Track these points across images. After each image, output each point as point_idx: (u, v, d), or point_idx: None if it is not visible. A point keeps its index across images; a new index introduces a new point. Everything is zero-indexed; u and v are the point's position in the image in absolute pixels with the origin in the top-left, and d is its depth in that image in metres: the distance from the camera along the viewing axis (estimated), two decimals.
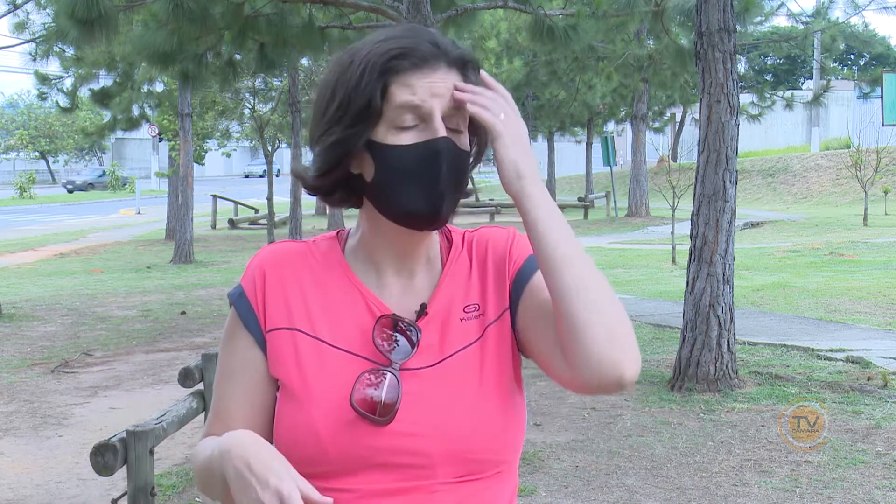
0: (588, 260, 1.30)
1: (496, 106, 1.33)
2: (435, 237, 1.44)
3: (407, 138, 1.31)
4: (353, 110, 1.32)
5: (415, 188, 1.31)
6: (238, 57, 10.52)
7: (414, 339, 1.35)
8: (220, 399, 1.42)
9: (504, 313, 1.40)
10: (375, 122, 1.32)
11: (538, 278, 1.37)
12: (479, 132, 1.40)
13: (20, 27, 13.60)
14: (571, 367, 1.27)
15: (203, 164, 36.79)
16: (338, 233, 1.47)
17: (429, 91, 1.31)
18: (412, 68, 1.31)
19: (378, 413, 1.30)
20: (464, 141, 1.35)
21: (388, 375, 1.32)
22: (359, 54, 1.35)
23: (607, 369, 1.24)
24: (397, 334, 1.35)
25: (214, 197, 27.68)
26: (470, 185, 1.43)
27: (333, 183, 1.38)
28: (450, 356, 1.36)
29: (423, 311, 1.37)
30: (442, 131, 1.31)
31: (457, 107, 1.33)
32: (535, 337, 1.37)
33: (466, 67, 1.36)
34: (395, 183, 1.32)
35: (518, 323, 1.40)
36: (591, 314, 1.25)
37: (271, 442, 1.39)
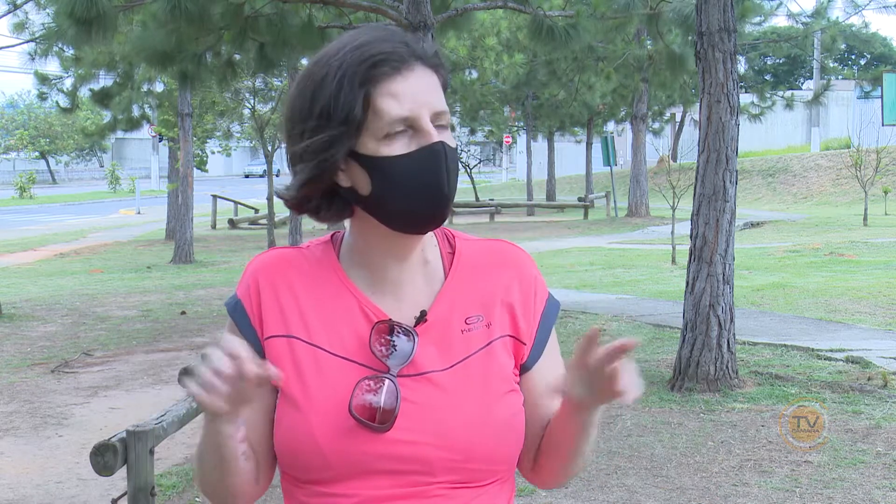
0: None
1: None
2: (429, 238, 1.42)
3: (398, 147, 1.29)
4: (335, 122, 1.29)
5: (420, 196, 1.30)
6: (237, 57, 10.52)
7: (412, 345, 1.34)
8: None
9: (506, 339, 1.40)
10: (358, 133, 1.30)
11: (547, 355, 1.43)
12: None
13: (20, 27, 13.58)
14: (526, 468, 1.46)
15: (206, 171, 36.79)
16: (332, 236, 1.45)
17: (413, 97, 1.30)
18: (392, 73, 1.30)
19: (377, 420, 1.30)
20: (451, 136, 1.34)
21: (387, 382, 1.31)
22: (332, 63, 1.31)
23: (566, 481, 1.52)
24: (394, 340, 1.34)
25: (214, 197, 27.66)
26: None
27: (319, 197, 1.36)
28: (452, 366, 1.35)
29: (422, 318, 1.36)
30: (436, 136, 1.30)
31: (443, 102, 1.33)
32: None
33: (438, 67, 1.36)
34: (398, 193, 1.30)
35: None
36: (575, 468, 1.45)
37: (272, 446, 1.39)
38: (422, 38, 1.42)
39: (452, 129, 1.43)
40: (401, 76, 1.30)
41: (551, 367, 1.43)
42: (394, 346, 1.34)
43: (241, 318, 1.40)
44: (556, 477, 1.45)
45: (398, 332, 1.34)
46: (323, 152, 1.31)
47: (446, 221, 1.40)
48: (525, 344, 1.41)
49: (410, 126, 1.30)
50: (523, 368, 1.41)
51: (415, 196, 1.30)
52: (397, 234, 1.35)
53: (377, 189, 1.32)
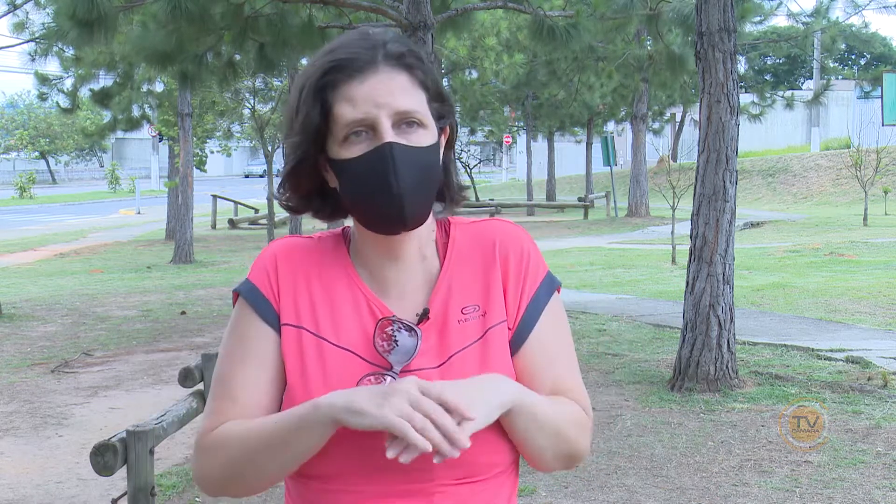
0: (546, 417, 1.35)
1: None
2: (426, 234, 1.43)
3: (358, 150, 1.33)
4: (296, 127, 1.36)
5: (372, 197, 1.34)
6: (238, 57, 10.52)
7: (414, 341, 1.35)
8: (233, 381, 1.39)
9: (503, 324, 1.40)
10: (324, 138, 1.34)
11: (535, 338, 1.40)
12: (449, 113, 1.41)
13: (20, 27, 13.57)
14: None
15: (205, 171, 36.78)
16: (343, 230, 1.48)
17: (371, 100, 1.32)
18: (349, 79, 1.33)
19: None
20: (423, 136, 1.35)
21: (388, 379, 1.32)
22: (304, 71, 1.39)
23: (560, 468, 1.44)
24: (396, 336, 1.35)
25: (214, 197, 27.65)
26: (459, 180, 1.44)
27: (311, 196, 1.41)
28: (449, 358, 1.36)
29: (425, 315, 1.37)
30: (386, 138, 1.31)
31: (412, 102, 1.34)
32: None
33: (412, 66, 1.37)
34: (355, 195, 1.35)
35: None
36: (549, 457, 1.39)
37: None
38: (399, 38, 1.40)
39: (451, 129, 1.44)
40: (358, 81, 1.33)
41: (543, 351, 1.41)
42: (396, 342, 1.35)
43: (260, 301, 1.40)
44: (539, 461, 1.39)
45: (400, 329, 1.36)
46: (293, 153, 1.37)
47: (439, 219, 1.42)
48: (510, 328, 1.41)
49: (370, 128, 1.32)
50: (511, 351, 1.41)
51: (368, 197, 1.34)
52: (380, 234, 1.38)
53: (343, 190, 1.37)
